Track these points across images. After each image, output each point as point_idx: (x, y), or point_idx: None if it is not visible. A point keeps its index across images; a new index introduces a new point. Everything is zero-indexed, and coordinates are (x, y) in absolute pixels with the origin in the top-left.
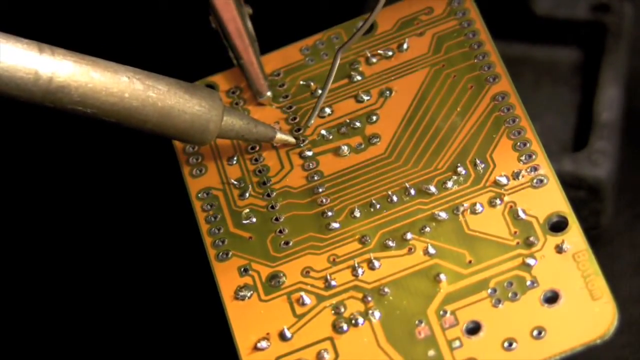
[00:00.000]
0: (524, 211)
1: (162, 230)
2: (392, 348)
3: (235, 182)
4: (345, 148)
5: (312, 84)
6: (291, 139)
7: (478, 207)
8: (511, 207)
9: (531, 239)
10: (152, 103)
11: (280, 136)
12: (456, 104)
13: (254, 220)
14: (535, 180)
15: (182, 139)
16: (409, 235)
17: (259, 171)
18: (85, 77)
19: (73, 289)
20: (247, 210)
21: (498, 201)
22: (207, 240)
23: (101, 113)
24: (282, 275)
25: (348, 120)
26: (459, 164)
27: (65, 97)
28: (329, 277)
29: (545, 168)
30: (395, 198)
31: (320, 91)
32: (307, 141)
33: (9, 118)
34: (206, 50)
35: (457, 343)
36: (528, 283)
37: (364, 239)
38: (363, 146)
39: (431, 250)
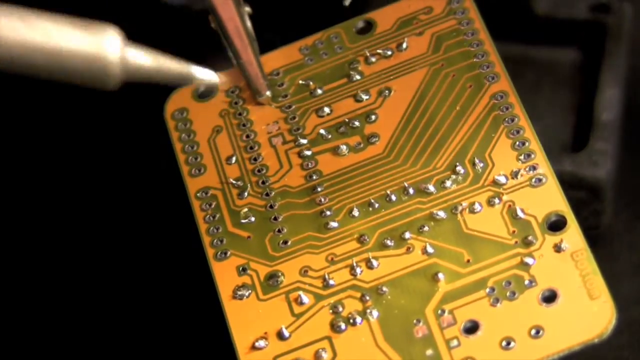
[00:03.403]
0: (522, 210)
1: (161, 229)
2: (390, 347)
3: (234, 182)
4: (344, 147)
5: (311, 83)
6: (213, 77)
7: (477, 207)
8: (510, 206)
9: (529, 238)
10: (39, 46)
11: (197, 74)
12: (455, 103)
13: (253, 219)
14: (533, 180)
15: (83, 84)
16: (407, 235)
17: (258, 170)
18: None
19: (71, 288)
20: (246, 209)
21: (497, 200)
22: (206, 240)
23: None
24: (280, 274)
25: (347, 120)
26: (457, 163)
27: None
28: (327, 276)
29: (544, 167)
30: (393, 197)
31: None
32: (306, 141)
33: (9, 117)
34: (205, 50)
35: (455, 342)
36: (526, 282)
37: (362, 238)
38: (362, 145)
39: (429, 250)
